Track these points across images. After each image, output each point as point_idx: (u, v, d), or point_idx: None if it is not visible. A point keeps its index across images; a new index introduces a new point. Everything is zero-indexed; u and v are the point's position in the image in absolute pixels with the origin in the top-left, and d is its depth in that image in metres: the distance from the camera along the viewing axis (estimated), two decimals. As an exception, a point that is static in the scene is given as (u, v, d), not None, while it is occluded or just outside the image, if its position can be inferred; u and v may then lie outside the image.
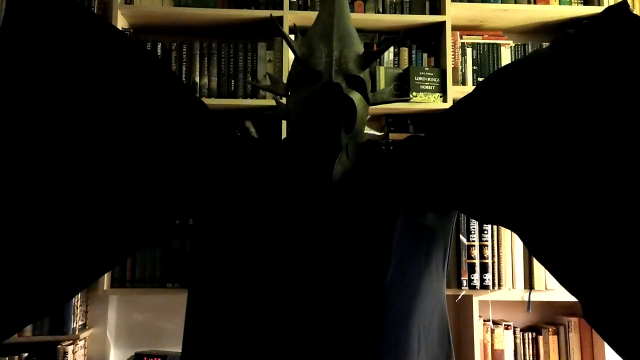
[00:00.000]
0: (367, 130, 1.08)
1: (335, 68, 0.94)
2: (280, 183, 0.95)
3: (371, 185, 0.95)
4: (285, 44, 1.73)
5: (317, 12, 1.06)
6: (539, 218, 0.79)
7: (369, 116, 1.11)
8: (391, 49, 1.93)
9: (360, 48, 1.01)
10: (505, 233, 1.82)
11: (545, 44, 1.97)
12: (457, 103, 0.94)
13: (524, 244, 0.86)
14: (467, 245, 1.78)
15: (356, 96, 0.95)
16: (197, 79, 1.85)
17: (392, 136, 1.89)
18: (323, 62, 0.95)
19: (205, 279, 0.95)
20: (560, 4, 1.98)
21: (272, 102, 1.74)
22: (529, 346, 1.86)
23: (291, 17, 1.83)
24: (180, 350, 0.96)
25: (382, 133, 1.20)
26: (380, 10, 1.92)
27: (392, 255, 0.89)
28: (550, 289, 1.78)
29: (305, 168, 0.94)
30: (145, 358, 1.78)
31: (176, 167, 0.90)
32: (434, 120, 1.10)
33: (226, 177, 0.95)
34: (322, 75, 0.94)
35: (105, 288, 1.72)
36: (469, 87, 1.90)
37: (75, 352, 1.71)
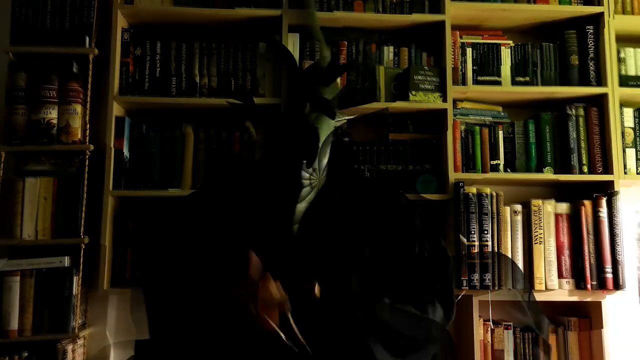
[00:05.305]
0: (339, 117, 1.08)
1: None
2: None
3: (339, 211, 1.00)
4: (284, 44, 1.73)
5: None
6: None
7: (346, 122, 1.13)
8: (391, 48, 1.93)
9: (326, 55, 1.02)
10: (506, 233, 1.81)
11: (545, 44, 1.97)
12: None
13: None
14: (467, 245, 1.77)
15: (320, 118, 0.97)
16: (197, 79, 1.85)
17: (392, 136, 1.90)
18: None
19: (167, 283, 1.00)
20: (560, 4, 1.98)
21: (272, 101, 1.75)
22: (529, 346, 1.86)
23: (291, 17, 1.83)
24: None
25: (351, 117, 1.19)
26: (380, 10, 1.92)
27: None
28: (550, 289, 1.77)
29: (268, 206, 0.99)
30: (145, 357, 1.78)
31: None
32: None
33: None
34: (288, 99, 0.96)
35: (105, 287, 1.72)
36: (469, 87, 1.91)
37: (75, 350, 1.71)
